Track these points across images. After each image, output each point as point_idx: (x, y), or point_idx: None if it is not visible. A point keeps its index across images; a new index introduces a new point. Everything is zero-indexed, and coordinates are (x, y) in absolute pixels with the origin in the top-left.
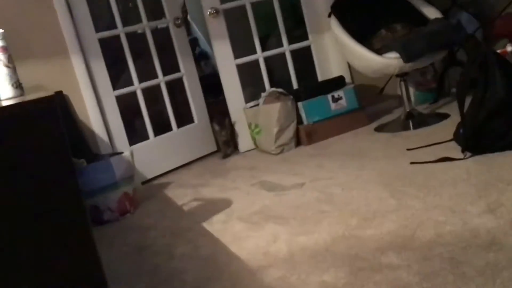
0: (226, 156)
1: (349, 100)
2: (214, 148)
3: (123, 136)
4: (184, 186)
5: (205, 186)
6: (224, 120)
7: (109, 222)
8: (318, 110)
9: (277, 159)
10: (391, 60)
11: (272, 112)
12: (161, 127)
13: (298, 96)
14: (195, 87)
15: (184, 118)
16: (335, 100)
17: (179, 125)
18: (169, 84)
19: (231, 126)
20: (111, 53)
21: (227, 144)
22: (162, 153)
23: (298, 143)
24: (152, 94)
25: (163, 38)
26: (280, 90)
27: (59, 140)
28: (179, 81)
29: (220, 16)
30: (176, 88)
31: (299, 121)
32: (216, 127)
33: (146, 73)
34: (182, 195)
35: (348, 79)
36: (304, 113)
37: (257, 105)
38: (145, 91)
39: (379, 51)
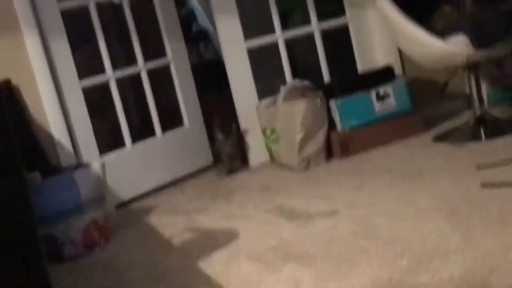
0: (231, 172)
1: (399, 99)
2: (210, 161)
3: (92, 143)
4: (174, 211)
5: (202, 212)
6: (229, 125)
7: (72, 259)
8: (357, 111)
9: (300, 177)
10: (457, 46)
11: (295, 113)
12: (142, 131)
13: (330, 92)
14: (186, 77)
15: (172, 119)
16: (381, 98)
17: (165, 128)
18: (152, 74)
19: (239, 132)
20: (77, 31)
21: (233, 156)
22: (143, 166)
23: (330, 155)
24: (130, 87)
25: (145, 12)
26: (306, 83)
27: (5, 145)
28: (165, 69)
29: None
30: (162, 79)
31: (331, 126)
32: (219, 135)
33: (122, 58)
34: (171, 223)
35: (398, 70)
36: (338, 116)
37: (275, 103)
38: (120, 82)
39: (441, 34)
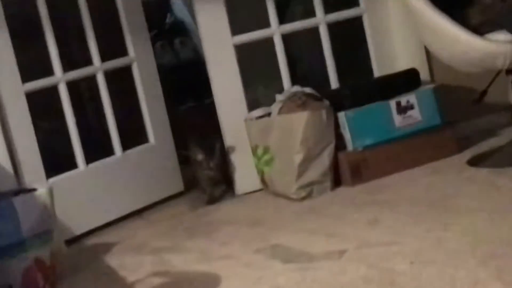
0: (212, 201)
1: (425, 112)
2: (181, 187)
3: (37, 163)
4: (139, 249)
5: (174, 251)
6: (211, 142)
7: None
8: (372, 126)
9: (299, 208)
10: (499, 45)
11: (293, 127)
12: (98, 148)
13: (339, 102)
14: (152, 81)
15: (135, 134)
16: (403, 110)
17: (126, 146)
18: (110, 76)
19: (223, 152)
20: (21, 23)
21: (215, 181)
22: (100, 192)
23: (337, 182)
24: (84, 92)
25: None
26: (308, 90)
27: None
28: (127, 71)
29: None
30: (122, 83)
31: (340, 145)
32: (199, 154)
33: (74, 56)
34: (136, 265)
35: (425, 75)
36: (349, 132)
37: (269, 115)
38: (73, 86)
39: (478, 30)
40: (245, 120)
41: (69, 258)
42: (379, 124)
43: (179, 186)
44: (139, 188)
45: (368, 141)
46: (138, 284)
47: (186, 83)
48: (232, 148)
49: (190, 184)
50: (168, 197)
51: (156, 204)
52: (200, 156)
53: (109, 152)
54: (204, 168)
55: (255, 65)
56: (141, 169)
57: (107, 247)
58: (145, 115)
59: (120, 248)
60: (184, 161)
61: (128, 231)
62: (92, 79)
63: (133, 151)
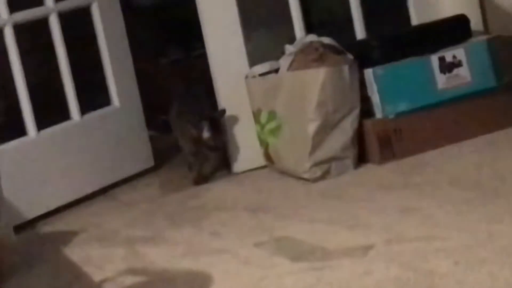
0: (200, 180)
1: (476, 70)
2: (151, 162)
3: None
4: (108, 239)
5: (152, 242)
6: (202, 107)
7: None
8: (408, 88)
9: (314, 191)
10: None
11: (308, 87)
12: (51, 111)
13: (366, 56)
14: (116, 27)
15: (95, 94)
16: (447, 68)
17: (85, 109)
18: (66, 20)
19: (218, 119)
20: None
21: (204, 156)
22: (56, 166)
23: (362, 158)
24: (34, 40)
25: None
26: (327, 40)
27: None
28: (84, 14)
29: None
30: (81, 30)
31: (366, 111)
32: (187, 124)
33: None
34: (104, 259)
35: (477, 23)
36: (378, 94)
37: (276, 71)
38: (21, 32)
39: None
40: (246, 78)
41: (20, 248)
42: (416, 85)
43: (148, 161)
44: (104, 160)
45: (402, 107)
46: (107, 284)
47: (171, 29)
48: (228, 113)
49: (163, 157)
50: (138, 173)
51: (125, 182)
52: (188, 125)
53: (65, 116)
54: (190, 141)
55: (259, 7)
56: (104, 137)
57: (68, 236)
58: (107, 70)
59: (84, 237)
60: (165, 129)
61: (94, 216)
62: (44, 23)
63: (94, 115)
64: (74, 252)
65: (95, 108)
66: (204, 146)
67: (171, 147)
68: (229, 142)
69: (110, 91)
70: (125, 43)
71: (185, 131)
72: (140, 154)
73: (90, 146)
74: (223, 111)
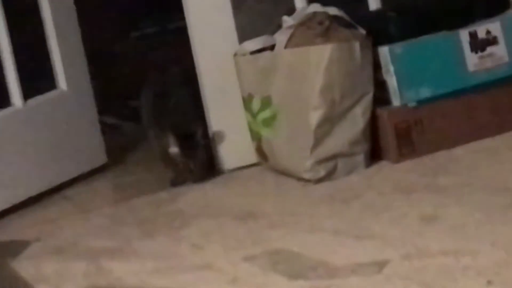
0: (179, 181)
1: None
2: (104, 159)
3: None
4: (66, 251)
5: (121, 255)
6: (176, 91)
7: None
8: (432, 69)
9: (317, 194)
10: None
11: (310, 68)
12: None
13: (381, 31)
14: None
15: (38, 77)
16: (480, 45)
17: (29, 93)
18: None
19: (197, 108)
20: None
21: (187, 154)
22: None
23: (376, 154)
24: None
25: None
26: (333, 11)
27: None
28: None
29: None
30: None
31: (382, 97)
32: (172, 146)
33: None
34: (61, 276)
35: None
36: (396, 77)
37: (271, 48)
38: None
39: None
40: (235, 56)
41: None
42: (442, 67)
43: (100, 157)
44: (52, 154)
45: (425, 93)
46: None
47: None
48: (213, 100)
49: (126, 149)
50: (95, 169)
51: (78, 180)
52: (174, 149)
53: (5, 102)
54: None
55: None
56: (51, 126)
57: (16, 247)
58: (52, 46)
59: (37, 248)
60: (132, 117)
61: (48, 222)
62: None
63: (38, 101)
64: (24, 267)
65: (40, 91)
66: (173, 161)
67: (138, 138)
68: (215, 136)
69: (56, 72)
70: (73, 15)
71: (150, 135)
72: (93, 148)
73: (35, 136)
74: (200, 125)
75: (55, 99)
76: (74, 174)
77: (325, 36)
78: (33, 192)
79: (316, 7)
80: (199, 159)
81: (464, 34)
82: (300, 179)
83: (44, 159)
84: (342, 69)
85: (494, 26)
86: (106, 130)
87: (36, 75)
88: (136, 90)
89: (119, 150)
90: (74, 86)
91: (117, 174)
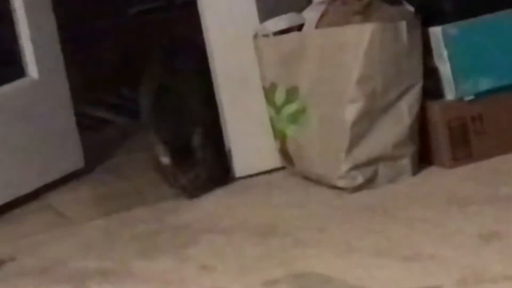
0: (194, 189)
1: None
2: (80, 161)
3: None
4: (49, 273)
5: (115, 277)
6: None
7: None
8: (494, 56)
9: (353, 205)
10: None
11: (346, 52)
12: None
13: (432, 9)
14: None
15: (5, 62)
16: None
17: None
18: None
19: (210, 99)
20: None
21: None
22: None
23: (425, 158)
24: None
25: None
26: None
27: None
28: None
29: None
30: None
31: (433, 89)
32: (163, 156)
33: None
34: None
35: None
36: (450, 65)
37: (299, 28)
38: None
39: None
40: (255, 38)
41: None
42: (506, 53)
43: (78, 159)
44: (23, 153)
45: (485, 84)
46: None
47: None
48: (228, 91)
49: (112, 149)
50: (74, 173)
51: (57, 185)
52: (165, 159)
53: None
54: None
55: None
56: (20, 118)
57: None
58: (21, 26)
59: (13, 269)
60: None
61: (26, 237)
62: None
63: (4, 90)
64: None
65: (7, 79)
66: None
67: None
68: (229, 135)
69: (25, 58)
70: None
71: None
72: (69, 148)
73: (4, 131)
74: (200, 132)
75: (24, 88)
76: (49, 178)
77: (365, 13)
78: (5, 198)
79: None
80: (194, 174)
81: None
82: (333, 187)
83: (14, 159)
84: (385, 54)
85: None
86: (94, 125)
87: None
88: (131, 77)
89: (110, 149)
90: (46, 72)
91: (108, 179)
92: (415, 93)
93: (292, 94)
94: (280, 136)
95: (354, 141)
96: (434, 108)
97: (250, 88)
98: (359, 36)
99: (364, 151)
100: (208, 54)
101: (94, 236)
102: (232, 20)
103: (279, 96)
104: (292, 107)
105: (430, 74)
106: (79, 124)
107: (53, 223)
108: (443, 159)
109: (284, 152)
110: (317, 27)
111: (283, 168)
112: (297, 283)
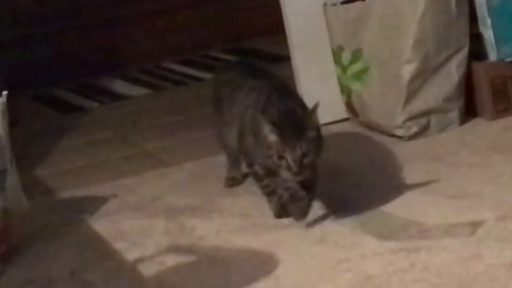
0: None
1: None
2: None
3: None
4: (145, 208)
5: (203, 212)
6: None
7: None
8: None
9: (408, 151)
10: None
11: (403, 18)
12: None
13: None
14: None
15: None
16: None
17: None
18: None
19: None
20: None
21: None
22: None
23: (471, 111)
24: None
25: None
26: None
27: None
28: None
29: None
30: None
31: (477, 51)
32: (271, 134)
33: None
34: (140, 233)
35: None
36: (493, 30)
37: None
38: None
39: None
40: (324, 6)
41: (33, 217)
42: None
43: None
44: None
45: None
46: (143, 264)
47: None
48: (302, 53)
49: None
50: None
51: None
52: (272, 137)
53: None
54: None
55: None
56: None
57: (94, 203)
58: None
59: (115, 205)
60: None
61: (126, 177)
62: None
63: None
64: (102, 224)
65: None
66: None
67: None
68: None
69: None
70: None
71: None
72: None
73: None
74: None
75: None
76: None
77: None
78: None
79: None
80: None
81: None
82: (391, 135)
83: None
84: (436, 21)
85: None
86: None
87: None
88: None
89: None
90: None
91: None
92: (462, 55)
93: (356, 55)
94: (346, 92)
95: (410, 96)
96: (479, 68)
97: (321, 50)
98: (415, 5)
99: (418, 105)
100: (284, 21)
101: (185, 177)
102: None
103: (345, 57)
104: (356, 67)
105: (476, 39)
106: None
107: (149, 166)
108: (486, 112)
109: (349, 105)
110: None
111: (348, 119)
112: (360, 218)
